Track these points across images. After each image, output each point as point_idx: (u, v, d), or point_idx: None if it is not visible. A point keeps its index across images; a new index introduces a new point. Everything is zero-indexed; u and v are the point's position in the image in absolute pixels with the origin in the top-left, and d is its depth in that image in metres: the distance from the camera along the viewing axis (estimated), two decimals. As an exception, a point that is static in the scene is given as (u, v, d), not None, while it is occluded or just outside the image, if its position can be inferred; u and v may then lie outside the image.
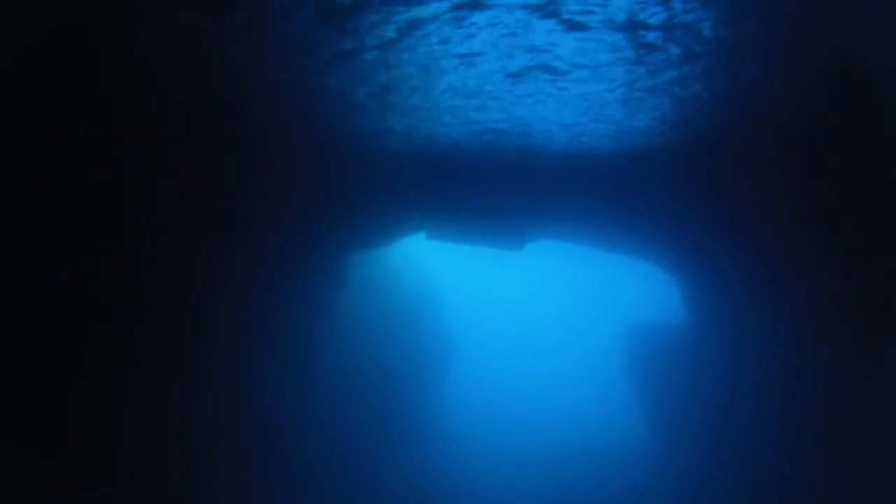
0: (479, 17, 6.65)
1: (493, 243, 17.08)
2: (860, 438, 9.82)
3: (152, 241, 11.04)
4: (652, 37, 6.84)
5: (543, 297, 32.94)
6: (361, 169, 13.60)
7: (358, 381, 16.38)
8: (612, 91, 8.64)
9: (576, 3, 6.27)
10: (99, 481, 10.34)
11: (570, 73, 8.06)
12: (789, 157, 9.85)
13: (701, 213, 12.89)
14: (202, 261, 12.16)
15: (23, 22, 7.58)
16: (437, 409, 18.60)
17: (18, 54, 7.68)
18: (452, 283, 24.37)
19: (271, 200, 13.20)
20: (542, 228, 16.66)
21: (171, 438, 11.96)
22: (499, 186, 14.43)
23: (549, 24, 6.68)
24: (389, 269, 18.83)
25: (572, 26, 6.71)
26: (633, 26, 6.63)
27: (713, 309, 15.15)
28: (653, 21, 6.51)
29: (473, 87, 8.83)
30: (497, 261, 27.37)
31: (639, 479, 17.39)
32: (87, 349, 9.72)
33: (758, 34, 6.86)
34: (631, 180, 12.96)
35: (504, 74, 8.24)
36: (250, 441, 13.76)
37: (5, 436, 8.36)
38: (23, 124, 7.98)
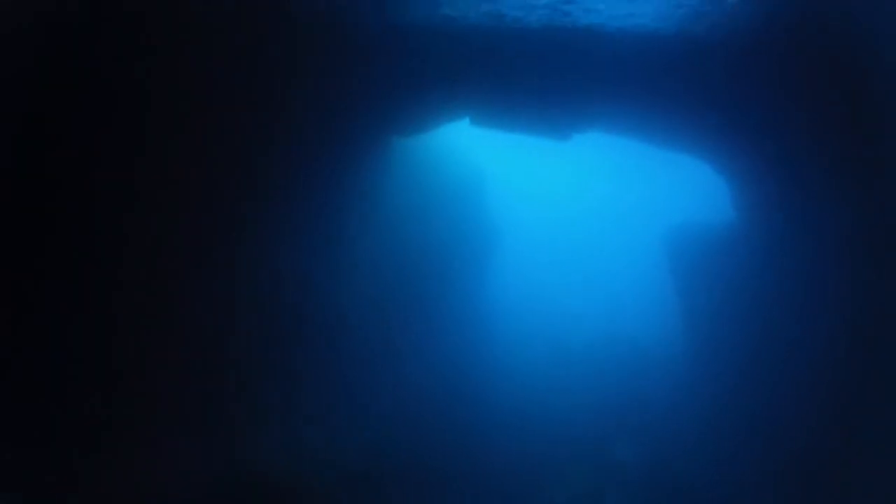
0: None
1: (538, 131, 16.62)
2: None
3: (194, 122, 11.10)
4: None
5: (588, 192, 32.47)
6: (403, 53, 13.18)
7: (399, 266, 16.67)
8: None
9: None
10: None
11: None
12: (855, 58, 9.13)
13: (759, 109, 12.24)
14: (241, 147, 12.22)
15: None
16: (478, 294, 18.94)
17: None
18: (496, 172, 24.08)
19: (310, 87, 13.01)
20: (590, 118, 16.12)
21: (211, 318, 12.51)
22: (547, 72, 13.86)
23: None
24: (433, 156, 18.68)
25: None
26: None
27: (763, 211, 14.69)
28: None
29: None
30: (542, 152, 26.83)
31: (670, 379, 17.69)
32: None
33: None
34: (686, 69, 12.29)
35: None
36: (291, 321, 14.32)
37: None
38: None
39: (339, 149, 14.68)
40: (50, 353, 9.85)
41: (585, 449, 16.60)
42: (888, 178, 9.30)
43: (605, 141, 21.83)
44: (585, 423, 17.05)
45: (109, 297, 10.60)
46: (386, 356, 15.90)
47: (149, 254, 11.11)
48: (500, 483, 15.14)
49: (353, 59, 13.23)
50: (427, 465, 14.72)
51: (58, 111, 9.42)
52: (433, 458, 14.97)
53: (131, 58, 9.88)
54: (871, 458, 10.17)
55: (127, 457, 11.42)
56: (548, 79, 14.07)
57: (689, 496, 15.16)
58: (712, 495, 15.00)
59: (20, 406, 9.41)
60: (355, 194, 15.62)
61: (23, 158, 9.19)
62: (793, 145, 11.95)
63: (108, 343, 10.68)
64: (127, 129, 10.28)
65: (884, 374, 10.01)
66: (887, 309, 9.89)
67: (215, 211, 12.63)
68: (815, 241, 12.16)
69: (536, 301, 20.95)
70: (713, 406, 16.13)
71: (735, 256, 16.70)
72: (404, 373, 16.05)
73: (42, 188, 9.48)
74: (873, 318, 10.29)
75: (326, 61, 12.91)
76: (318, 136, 14.02)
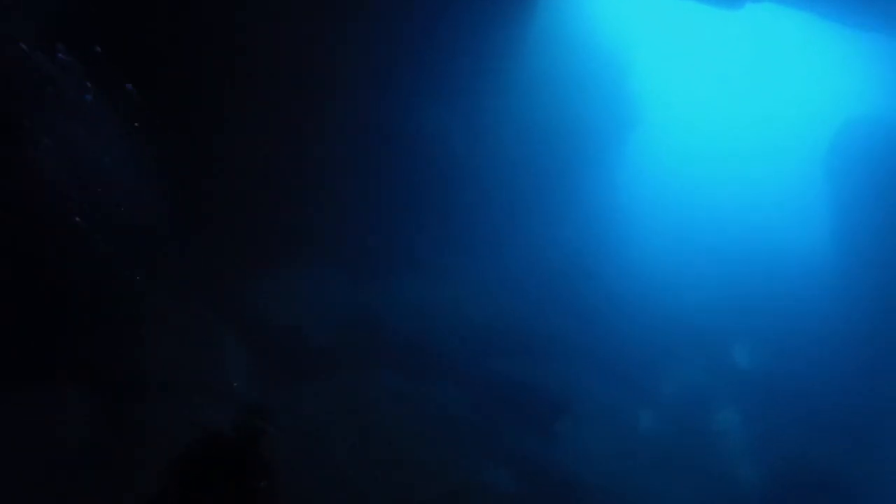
0: None
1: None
2: None
3: None
4: None
5: (754, 73, 29.88)
6: None
7: (539, 131, 16.41)
8: None
9: None
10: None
11: None
12: None
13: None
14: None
15: None
16: (609, 185, 18.47)
17: None
18: (649, 45, 22.52)
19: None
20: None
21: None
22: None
23: None
24: (575, 22, 17.78)
25: None
26: None
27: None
28: None
29: None
30: (707, 21, 24.69)
31: (813, 296, 16.76)
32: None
33: None
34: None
35: None
36: (428, 178, 14.73)
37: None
38: None
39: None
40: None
41: (704, 346, 16.50)
42: None
43: (783, 13, 19.67)
44: (709, 322, 16.79)
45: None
46: (517, 218, 16.07)
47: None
48: (616, 363, 15.49)
49: None
50: (548, 333, 15.24)
51: None
52: (554, 326, 15.44)
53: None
54: None
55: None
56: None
57: (799, 417, 14.92)
58: (821, 418, 14.69)
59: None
60: (500, 54, 15.31)
61: None
62: None
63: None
64: None
65: None
66: None
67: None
68: None
69: (673, 188, 20.12)
70: (845, 329, 15.35)
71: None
72: (534, 239, 16.23)
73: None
74: None
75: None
76: None
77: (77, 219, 9.32)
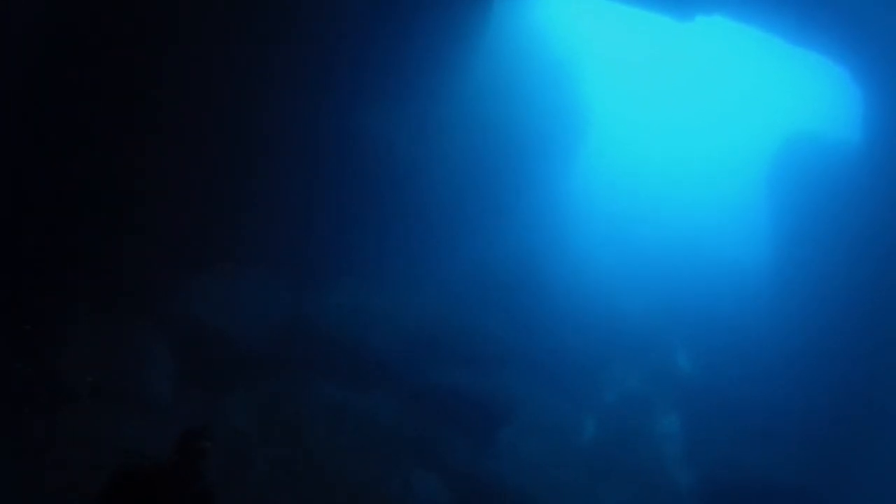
0: None
1: (657, 5, 15.59)
2: None
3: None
4: None
5: (702, 85, 30.70)
6: None
7: (484, 137, 16.38)
8: None
9: None
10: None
11: None
12: None
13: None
14: None
15: None
16: (554, 193, 18.59)
17: None
18: (600, 51, 22.82)
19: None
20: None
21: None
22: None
23: None
24: (528, 25, 17.85)
25: None
26: None
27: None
28: None
29: None
30: (657, 32, 25.15)
31: (748, 295, 17.25)
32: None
33: None
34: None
35: None
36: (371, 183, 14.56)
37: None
38: None
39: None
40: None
41: (646, 353, 16.76)
42: None
43: (732, 28, 20.24)
44: (651, 329, 17.07)
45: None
46: (459, 224, 16.02)
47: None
48: (557, 371, 15.58)
49: None
50: (489, 341, 15.22)
51: None
52: (496, 334, 15.43)
53: None
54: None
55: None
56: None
57: (738, 422, 15.30)
58: (764, 419, 15.10)
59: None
60: (449, 59, 15.23)
61: None
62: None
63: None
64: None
65: None
66: None
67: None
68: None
69: (617, 197, 20.39)
70: (784, 337, 15.83)
71: (849, 182, 15.75)
72: (476, 245, 16.20)
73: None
74: None
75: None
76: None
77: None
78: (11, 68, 10.29)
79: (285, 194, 14.09)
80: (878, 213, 14.80)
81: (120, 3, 11.17)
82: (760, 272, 18.00)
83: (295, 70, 12.85)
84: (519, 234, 16.58)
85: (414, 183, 15.18)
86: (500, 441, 13.47)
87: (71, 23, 10.81)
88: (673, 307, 17.36)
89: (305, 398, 11.12)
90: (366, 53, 13.45)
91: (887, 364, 14.30)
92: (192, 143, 12.05)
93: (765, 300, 17.15)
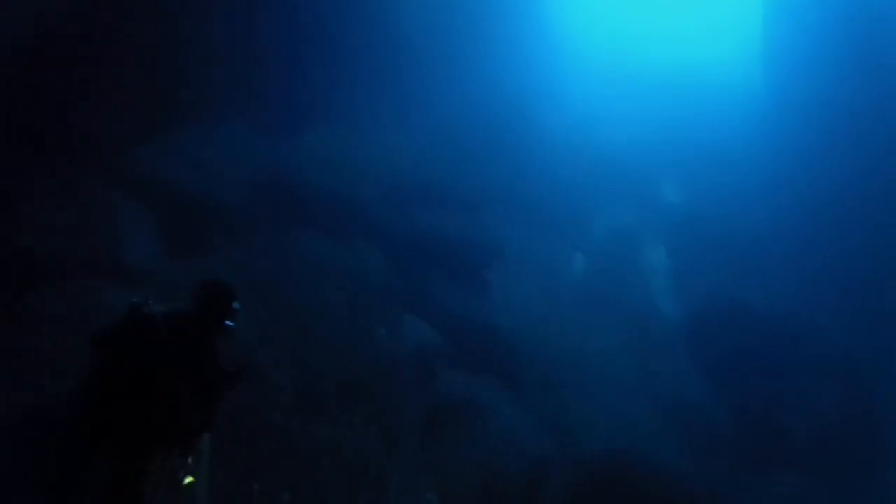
0: None
1: None
2: None
3: None
4: None
5: None
6: None
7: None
8: None
9: None
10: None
11: None
12: None
13: None
14: None
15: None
16: (536, 25, 17.54)
17: None
18: None
19: None
20: None
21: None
22: None
23: None
24: None
25: None
26: None
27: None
28: None
29: None
30: None
31: (744, 133, 16.78)
32: None
33: None
34: None
35: None
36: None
37: None
38: None
39: None
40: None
41: (634, 185, 16.67)
42: None
43: None
44: (637, 160, 16.83)
45: None
46: (442, 64, 15.38)
47: None
48: (544, 207, 15.61)
49: None
50: (474, 181, 15.11)
51: None
52: (481, 174, 15.29)
53: None
54: None
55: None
56: None
57: (726, 252, 15.49)
58: (749, 257, 15.30)
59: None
60: None
61: None
62: None
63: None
64: None
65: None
66: None
67: None
68: None
69: (601, 25, 19.26)
70: (776, 167, 15.65)
71: None
72: (459, 84, 15.63)
73: None
74: None
75: None
76: None
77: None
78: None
79: (253, 39, 13.37)
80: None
81: None
82: (753, 99, 17.45)
83: None
84: (500, 71, 15.89)
85: (390, 18, 14.33)
86: (489, 283, 13.73)
87: None
88: (659, 136, 17.03)
89: (287, 254, 11.15)
90: None
91: (877, 193, 14.31)
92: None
93: (755, 127, 16.77)
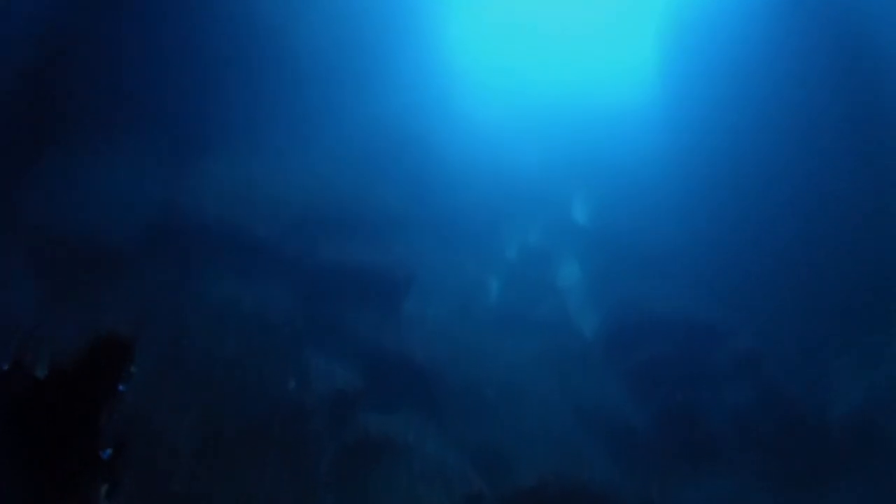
0: None
1: None
2: None
3: None
4: None
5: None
6: None
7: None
8: None
9: None
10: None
11: None
12: None
13: None
14: None
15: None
16: (437, 47, 17.41)
17: None
18: None
19: None
20: None
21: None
22: None
23: None
24: None
25: None
26: None
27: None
28: None
29: None
30: None
31: (641, 148, 17.18)
32: None
33: None
34: None
35: None
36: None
37: None
38: None
39: None
40: None
41: (544, 204, 16.72)
42: None
43: None
44: (547, 180, 16.92)
45: None
46: (340, 88, 14.95)
47: None
48: (457, 230, 15.37)
49: None
50: (381, 208, 14.69)
51: None
52: (388, 200, 14.89)
53: None
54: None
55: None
56: None
57: (635, 264, 15.76)
58: (658, 267, 15.63)
59: None
60: None
61: None
62: None
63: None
64: None
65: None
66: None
67: None
68: None
69: (504, 48, 19.33)
70: (678, 178, 16.09)
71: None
72: (360, 108, 15.22)
73: None
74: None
75: None
76: None
77: None
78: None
79: (147, 64, 12.52)
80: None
81: None
82: (653, 116, 17.88)
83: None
84: (404, 94, 15.58)
85: (287, 41, 13.78)
86: (402, 311, 13.31)
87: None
88: (567, 157, 17.19)
89: (187, 293, 10.39)
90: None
91: (769, 202, 14.89)
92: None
93: (656, 143, 17.19)
